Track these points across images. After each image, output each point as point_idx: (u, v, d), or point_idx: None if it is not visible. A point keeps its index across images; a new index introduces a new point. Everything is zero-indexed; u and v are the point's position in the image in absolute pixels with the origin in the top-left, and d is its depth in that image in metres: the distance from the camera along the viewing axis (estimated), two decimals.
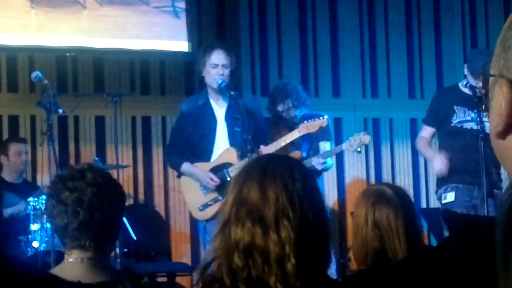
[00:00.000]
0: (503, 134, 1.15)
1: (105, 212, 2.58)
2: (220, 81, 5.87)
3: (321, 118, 6.11)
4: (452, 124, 6.09)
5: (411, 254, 2.93)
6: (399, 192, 3.21)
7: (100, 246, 2.59)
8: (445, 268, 1.32)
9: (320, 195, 2.20)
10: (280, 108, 6.65)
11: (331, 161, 6.74)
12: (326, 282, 2.12)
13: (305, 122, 6.08)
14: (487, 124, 5.92)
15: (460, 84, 6.21)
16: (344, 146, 6.34)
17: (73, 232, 2.57)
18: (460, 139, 6.04)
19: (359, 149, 6.30)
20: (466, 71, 6.18)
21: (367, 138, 6.28)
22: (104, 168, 5.80)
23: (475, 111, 5.96)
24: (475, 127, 5.96)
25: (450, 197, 5.95)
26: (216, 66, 5.91)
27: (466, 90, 6.06)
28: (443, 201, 6.02)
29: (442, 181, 6.15)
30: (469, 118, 6.04)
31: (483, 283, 1.16)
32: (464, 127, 6.06)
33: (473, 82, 6.01)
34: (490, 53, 7.99)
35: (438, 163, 6.03)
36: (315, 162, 6.29)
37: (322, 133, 6.37)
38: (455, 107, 6.08)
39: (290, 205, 2.07)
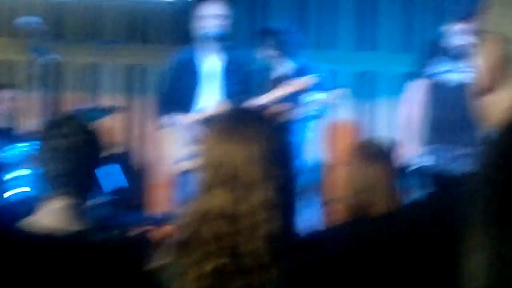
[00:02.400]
0: (487, 91, 1.13)
1: (87, 161, 2.60)
2: (205, 32, 5.76)
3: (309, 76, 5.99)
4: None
5: (388, 210, 2.94)
6: (388, 149, 3.21)
7: (81, 194, 2.61)
8: (419, 223, 1.32)
9: (291, 150, 2.17)
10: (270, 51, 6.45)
11: (327, 109, 6.56)
12: (298, 241, 2.15)
13: (290, 79, 5.97)
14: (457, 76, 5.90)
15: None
16: (320, 98, 6.23)
17: (56, 179, 2.57)
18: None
19: (337, 102, 6.26)
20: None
21: (341, 93, 6.24)
22: (100, 111, 5.80)
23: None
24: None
25: (426, 161, 5.89)
26: (206, 17, 5.76)
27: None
28: (420, 165, 5.96)
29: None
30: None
31: (454, 238, 1.14)
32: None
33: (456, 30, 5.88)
34: None
35: None
36: (308, 107, 6.18)
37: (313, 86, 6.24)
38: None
39: (267, 165, 2.04)
